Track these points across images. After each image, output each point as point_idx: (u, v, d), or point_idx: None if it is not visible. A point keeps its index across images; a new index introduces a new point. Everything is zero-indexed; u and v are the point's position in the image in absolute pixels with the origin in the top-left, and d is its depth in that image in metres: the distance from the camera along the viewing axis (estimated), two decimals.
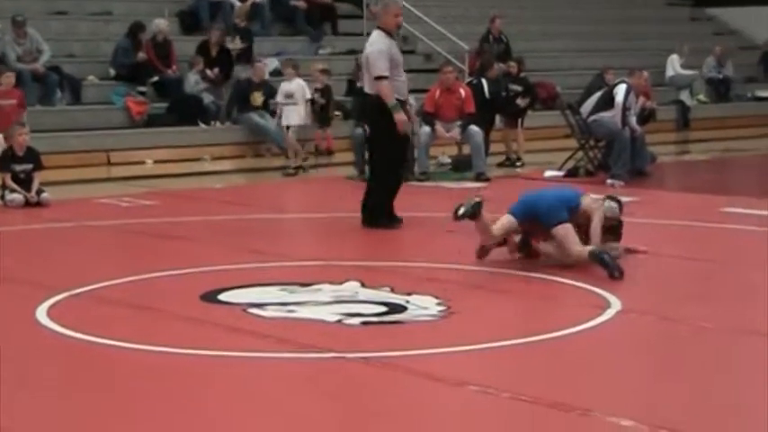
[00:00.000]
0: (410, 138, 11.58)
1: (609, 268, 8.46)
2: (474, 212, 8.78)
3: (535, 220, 8.94)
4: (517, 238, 9.11)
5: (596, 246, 8.76)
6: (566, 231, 8.79)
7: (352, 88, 19.02)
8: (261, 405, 5.71)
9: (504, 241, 9.13)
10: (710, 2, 27.94)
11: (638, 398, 5.88)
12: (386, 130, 10.83)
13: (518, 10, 24.51)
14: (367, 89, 11.06)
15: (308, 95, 16.34)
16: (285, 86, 16.28)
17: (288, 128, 16.06)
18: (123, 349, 6.63)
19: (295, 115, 16.07)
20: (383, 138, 10.94)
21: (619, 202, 9.36)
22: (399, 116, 10.75)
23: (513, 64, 17.37)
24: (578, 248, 8.73)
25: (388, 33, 11.01)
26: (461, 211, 8.78)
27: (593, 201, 9.12)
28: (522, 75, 17.29)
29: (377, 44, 10.89)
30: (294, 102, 16.09)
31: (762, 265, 9.22)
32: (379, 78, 10.76)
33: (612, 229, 9.17)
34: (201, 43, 18.77)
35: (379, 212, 10.97)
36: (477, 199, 8.80)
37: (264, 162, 16.26)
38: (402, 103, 10.97)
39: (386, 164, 11.08)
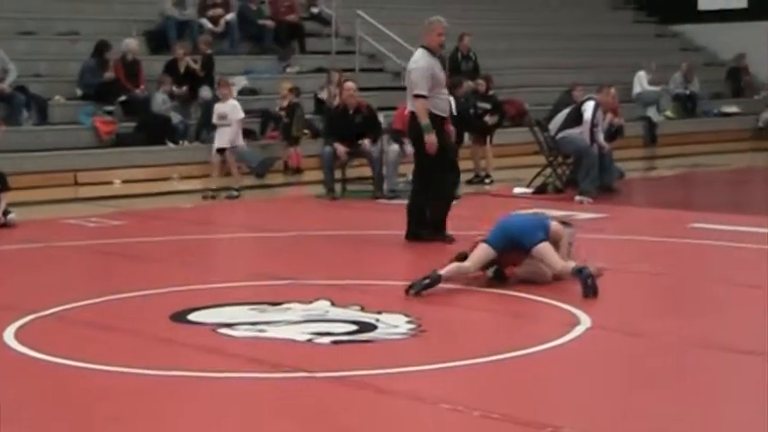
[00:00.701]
0: (453, 152, 11.63)
1: (586, 288, 8.45)
2: (426, 288, 8.57)
3: (513, 245, 8.88)
4: (490, 272, 9.00)
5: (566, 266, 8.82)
6: (546, 250, 8.82)
7: (321, 106, 19.04)
8: (231, 425, 5.68)
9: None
10: (675, 19, 28.17)
11: (608, 414, 5.89)
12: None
13: (486, 27, 24.58)
14: (409, 107, 11.10)
15: (241, 116, 15.87)
16: (219, 107, 15.79)
17: (218, 150, 15.60)
18: (92, 371, 6.58)
19: (225, 137, 15.58)
20: (428, 154, 10.89)
21: (570, 225, 9.60)
22: (430, 138, 10.74)
23: (481, 81, 17.44)
24: (561, 264, 8.78)
25: (432, 52, 11.03)
26: (412, 290, 8.56)
27: (558, 225, 9.18)
28: (491, 92, 17.36)
29: (419, 62, 10.92)
30: (228, 123, 15.67)
31: (730, 280, 9.26)
32: (416, 97, 10.80)
33: None
34: (169, 62, 18.76)
35: (430, 225, 11.07)
36: (428, 281, 8.59)
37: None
38: (443, 120, 11.01)
39: (434, 179, 11.03)
